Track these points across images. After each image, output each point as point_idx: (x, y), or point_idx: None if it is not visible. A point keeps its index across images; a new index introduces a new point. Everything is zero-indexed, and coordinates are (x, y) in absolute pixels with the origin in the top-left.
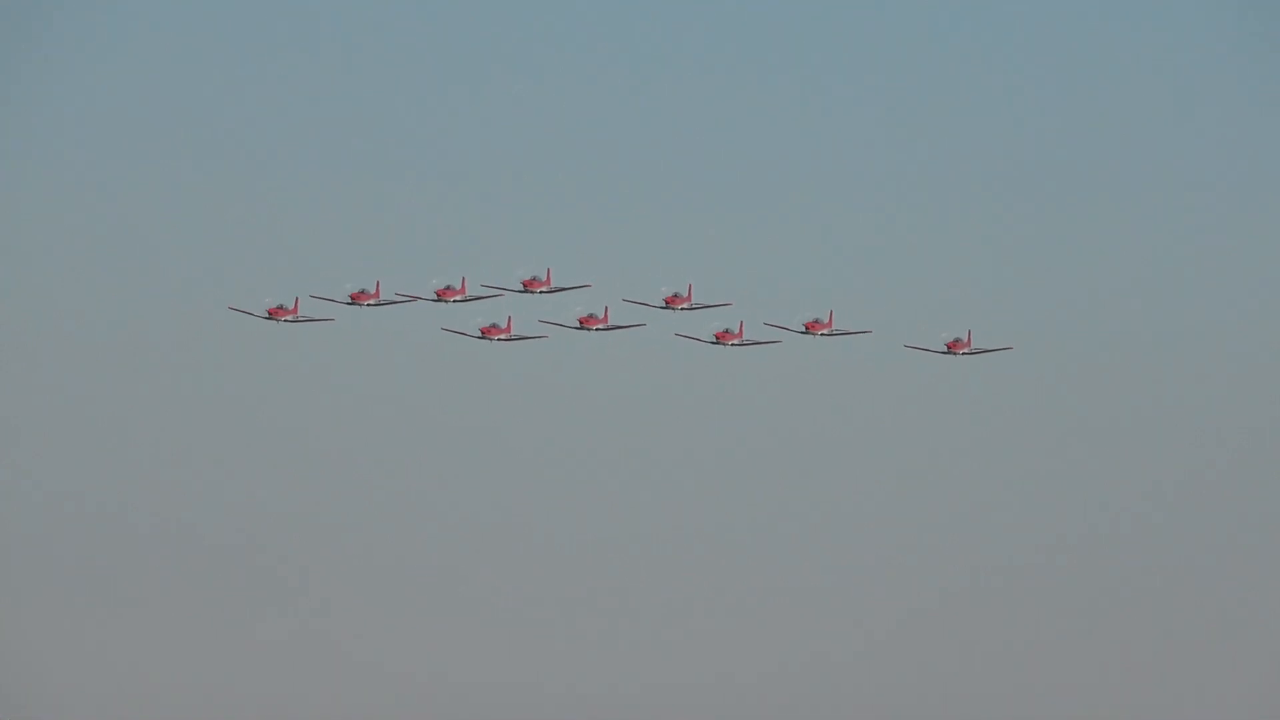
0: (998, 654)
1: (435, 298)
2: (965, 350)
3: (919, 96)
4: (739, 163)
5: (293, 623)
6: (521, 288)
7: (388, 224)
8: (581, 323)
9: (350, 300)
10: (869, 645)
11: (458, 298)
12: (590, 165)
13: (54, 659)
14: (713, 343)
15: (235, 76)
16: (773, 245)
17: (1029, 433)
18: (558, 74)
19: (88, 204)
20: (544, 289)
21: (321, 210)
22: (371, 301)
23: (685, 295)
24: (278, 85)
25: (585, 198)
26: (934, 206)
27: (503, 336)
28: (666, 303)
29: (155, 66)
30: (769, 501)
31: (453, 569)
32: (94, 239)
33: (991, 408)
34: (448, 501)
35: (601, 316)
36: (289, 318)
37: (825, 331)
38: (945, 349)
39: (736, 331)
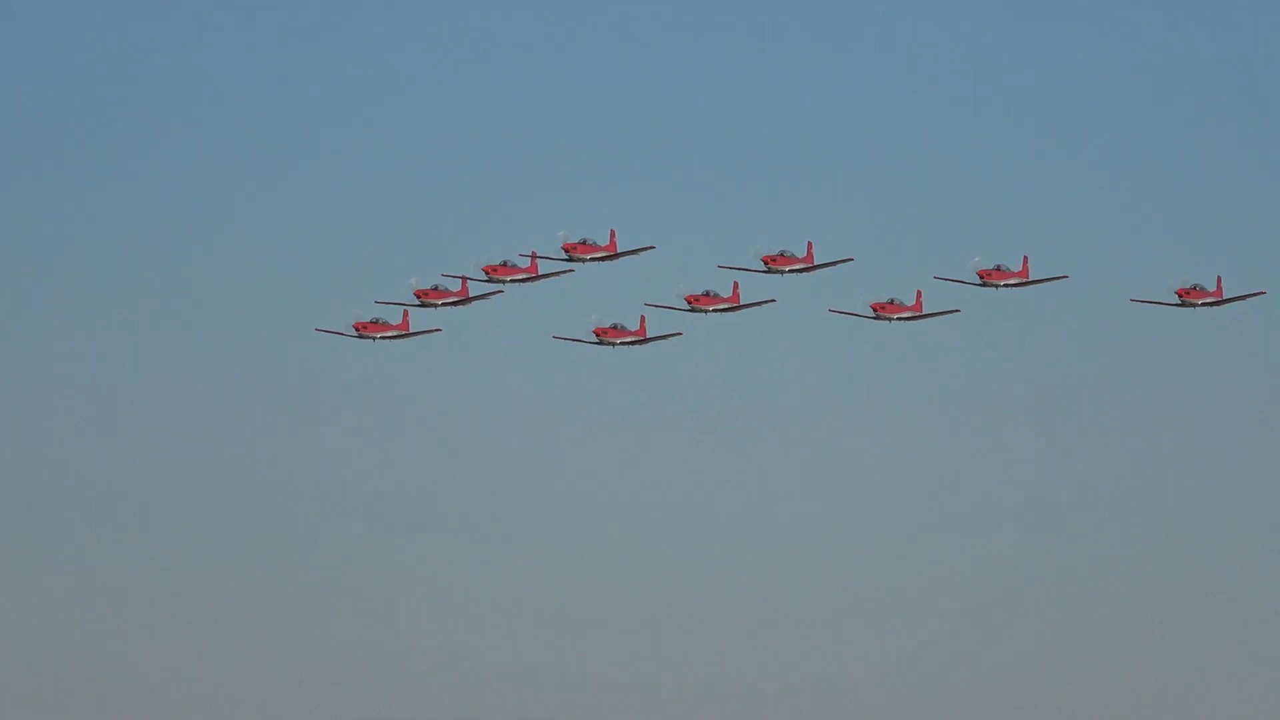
0: None
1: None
2: (1207, 300)
3: None
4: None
5: None
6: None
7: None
8: (692, 303)
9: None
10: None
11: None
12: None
13: None
14: (873, 318)
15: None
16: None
17: None
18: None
19: None
20: (604, 256)
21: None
22: (449, 300)
23: (802, 254)
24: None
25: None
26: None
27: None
28: (768, 264)
29: None
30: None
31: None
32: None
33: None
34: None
35: (730, 294)
36: (392, 333)
37: (1013, 281)
38: (1177, 299)
39: (913, 302)
